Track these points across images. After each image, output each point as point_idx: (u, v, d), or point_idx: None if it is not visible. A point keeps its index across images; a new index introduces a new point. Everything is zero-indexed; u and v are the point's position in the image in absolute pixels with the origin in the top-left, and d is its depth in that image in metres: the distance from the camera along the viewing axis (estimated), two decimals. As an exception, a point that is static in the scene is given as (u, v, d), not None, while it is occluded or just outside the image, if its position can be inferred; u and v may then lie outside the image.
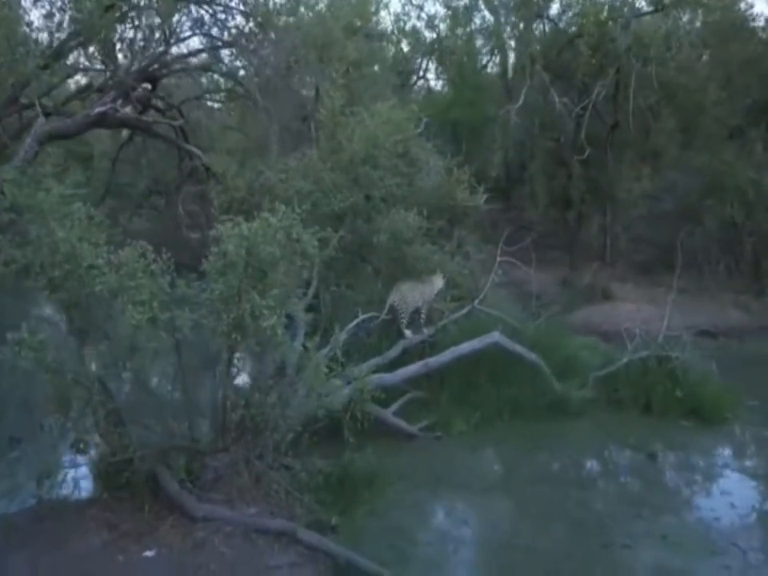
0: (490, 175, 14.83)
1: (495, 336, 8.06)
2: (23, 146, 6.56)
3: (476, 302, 9.31)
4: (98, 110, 7.42)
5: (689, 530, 5.75)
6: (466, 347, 8.01)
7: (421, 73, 20.49)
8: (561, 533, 5.71)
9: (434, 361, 7.87)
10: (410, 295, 8.52)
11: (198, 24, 9.04)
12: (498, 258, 9.48)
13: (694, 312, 12.88)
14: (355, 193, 8.35)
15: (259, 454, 5.83)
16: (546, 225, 16.03)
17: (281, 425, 6.26)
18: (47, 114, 7.47)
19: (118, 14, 7.38)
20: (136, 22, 7.85)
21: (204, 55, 9.13)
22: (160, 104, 9.10)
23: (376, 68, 15.19)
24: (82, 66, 7.71)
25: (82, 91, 7.96)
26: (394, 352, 8.27)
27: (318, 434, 7.38)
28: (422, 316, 8.64)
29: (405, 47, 19.71)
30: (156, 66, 8.39)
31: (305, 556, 4.95)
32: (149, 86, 9.01)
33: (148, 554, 4.78)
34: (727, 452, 7.81)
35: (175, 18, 8.91)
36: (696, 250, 14.39)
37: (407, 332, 8.50)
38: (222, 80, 9.93)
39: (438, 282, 8.78)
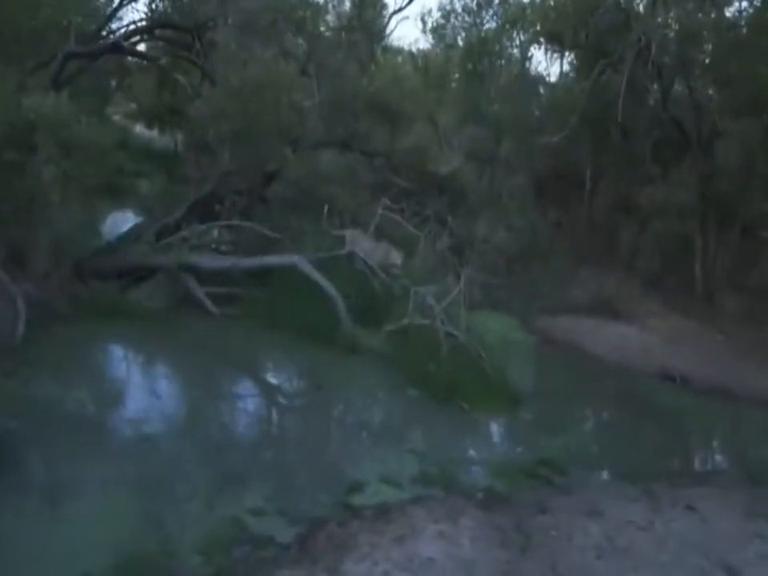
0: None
1: (295, 258, 9.28)
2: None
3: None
4: (111, 40, 11.02)
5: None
6: (271, 260, 9.53)
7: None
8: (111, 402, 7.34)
9: (242, 262, 9.61)
10: (360, 242, 10.05)
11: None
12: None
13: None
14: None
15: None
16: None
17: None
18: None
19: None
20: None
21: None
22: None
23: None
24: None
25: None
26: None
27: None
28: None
29: None
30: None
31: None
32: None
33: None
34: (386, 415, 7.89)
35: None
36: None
37: None
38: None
39: (395, 255, 10.28)
